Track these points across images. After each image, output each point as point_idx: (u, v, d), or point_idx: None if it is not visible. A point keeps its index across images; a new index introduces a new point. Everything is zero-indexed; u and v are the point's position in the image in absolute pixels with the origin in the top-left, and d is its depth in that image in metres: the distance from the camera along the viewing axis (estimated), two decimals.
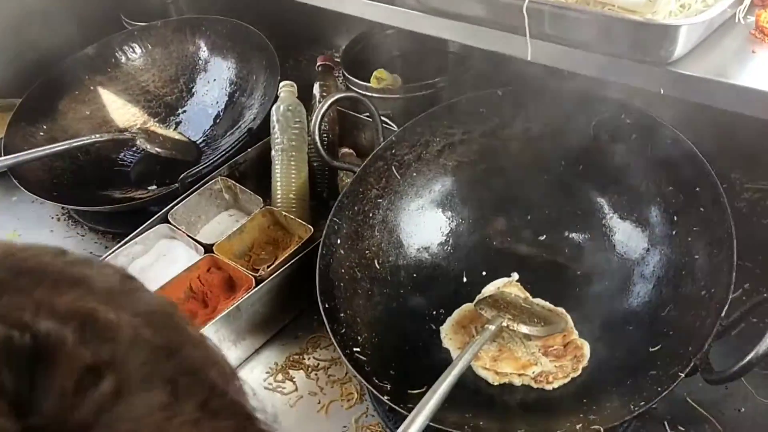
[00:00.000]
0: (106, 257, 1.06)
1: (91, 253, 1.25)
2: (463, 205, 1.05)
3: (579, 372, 0.88)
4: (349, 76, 1.23)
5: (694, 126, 0.90)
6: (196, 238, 1.09)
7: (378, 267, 1.00)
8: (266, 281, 0.98)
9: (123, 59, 1.49)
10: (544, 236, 1.02)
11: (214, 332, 0.95)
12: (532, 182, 1.02)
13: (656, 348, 0.83)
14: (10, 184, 1.26)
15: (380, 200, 1.03)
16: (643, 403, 0.75)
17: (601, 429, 0.75)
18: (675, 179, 0.89)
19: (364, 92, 1.19)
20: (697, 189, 0.86)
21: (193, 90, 1.47)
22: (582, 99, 0.96)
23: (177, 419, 0.29)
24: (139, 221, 1.12)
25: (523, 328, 0.91)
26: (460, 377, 0.79)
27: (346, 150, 1.24)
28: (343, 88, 1.28)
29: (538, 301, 0.97)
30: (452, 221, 1.05)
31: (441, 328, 0.97)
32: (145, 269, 1.09)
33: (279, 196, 1.14)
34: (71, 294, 0.30)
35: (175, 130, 1.44)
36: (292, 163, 1.15)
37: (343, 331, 0.90)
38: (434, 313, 0.99)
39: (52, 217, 1.35)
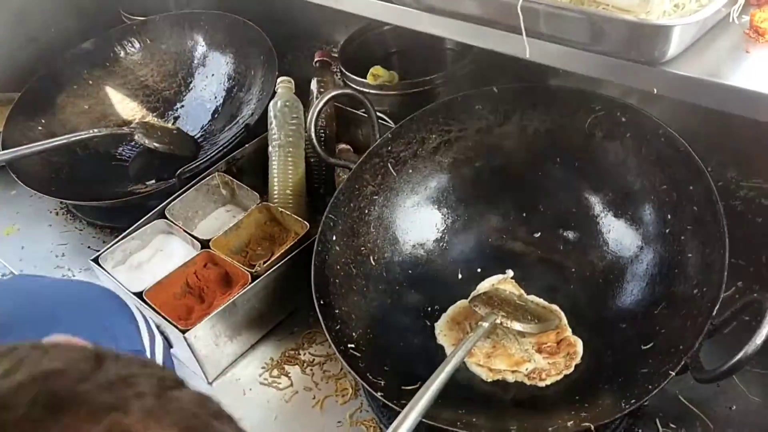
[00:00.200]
0: (104, 252, 1.06)
1: (88, 247, 1.25)
2: (458, 202, 1.06)
3: (572, 369, 0.89)
4: (347, 72, 1.24)
5: (689, 124, 0.90)
6: (192, 233, 1.09)
7: (373, 263, 1.00)
8: (262, 277, 0.99)
9: (122, 54, 1.49)
10: (539, 233, 1.02)
11: (210, 327, 0.95)
12: (527, 180, 1.02)
13: (648, 346, 0.83)
14: (8, 179, 1.27)
15: (376, 197, 1.03)
16: (634, 400, 0.75)
17: (592, 426, 0.75)
18: (669, 178, 0.90)
19: (360, 89, 1.19)
20: (691, 188, 0.86)
21: (192, 85, 1.47)
22: (577, 97, 0.96)
23: None
24: (137, 216, 1.12)
25: (517, 326, 0.92)
26: (454, 374, 0.79)
27: (343, 146, 1.24)
28: (341, 84, 1.28)
29: (533, 298, 0.98)
30: (448, 218, 1.06)
31: (435, 324, 0.98)
32: (142, 264, 1.09)
33: (276, 192, 1.14)
34: (107, 421, 0.31)
35: (173, 124, 1.45)
36: (289, 159, 1.15)
37: (338, 327, 0.90)
38: (429, 309, 0.99)
39: (51, 212, 1.36)
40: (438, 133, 1.04)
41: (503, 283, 0.98)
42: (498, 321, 0.91)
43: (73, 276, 1.21)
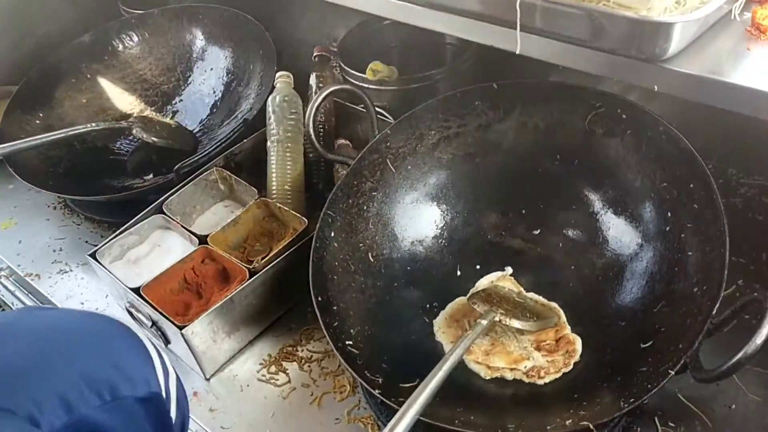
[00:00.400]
0: (102, 247, 1.06)
1: (86, 242, 1.25)
2: (457, 198, 1.05)
3: (570, 367, 0.88)
4: (346, 67, 1.23)
5: (690, 122, 0.89)
6: (190, 229, 1.09)
7: (372, 260, 1.00)
8: (260, 273, 0.99)
9: (120, 47, 1.48)
10: (539, 231, 1.02)
11: (207, 323, 0.95)
12: (527, 176, 1.02)
13: (647, 344, 0.83)
14: (6, 173, 1.26)
15: (375, 193, 1.03)
16: (633, 399, 0.75)
17: (591, 425, 0.75)
18: (669, 175, 0.89)
19: (359, 84, 1.19)
20: (692, 186, 0.86)
21: (190, 79, 1.46)
22: (577, 94, 0.96)
23: None
24: (135, 211, 1.12)
25: (516, 323, 0.91)
26: (452, 371, 0.79)
27: (342, 141, 1.23)
28: (340, 80, 1.27)
29: (532, 295, 0.97)
30: (447, 215, 1.05)
31: (434, 321, 0.97)
32: (139, 259, 1.09)
33: (274, 188, 1.14)
34: None
35: (172, 119, 1.44)
36: (288, 154, 1.15)
37: (336, 324, 0.90)
38: (427, 306, 0.99)
39: (48, 206, 1.35)
40: (437, 129, 1.04)
41: (502, 280, 0.97)
42: (497, 318, 0.91)
43: (71, 270, 1.20)
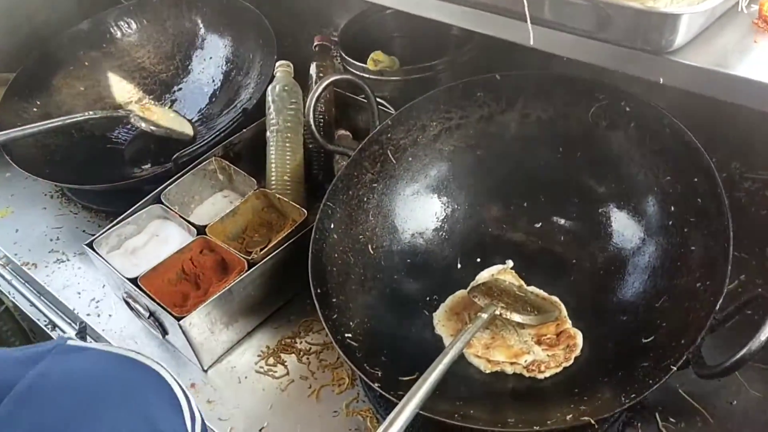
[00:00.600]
0: (99, 236, 1.05)
1: (83, 231, 1.24)
2: (458, 190, 1.04)
3: (571, 361, 0.88)
4: (347, 57, 1.22)
5: (694, 115, 0.88)
6: (189, 219, 1.08)
7: (372, 252, 0.99)
8: (259, 264, 0.98)
9: (118, 35, 1.47)
10: (540, 224, 1.01)
11: (205, 315, 0.94)
12: (528, 169, 1.01)
13: (649, 339, 0.82)
14: (3, 161, 1.26)
15: (375, 184, 1.02)
16: (634, 395, 0.74)
17: (592, 420, 0.75)
18: (673, 169, 0.88)
19: (360, 74, 1.18)
20: (695, 180, 0.85)
21: (189, 67, 1.45)
22: (581, 86, 0.94)
23: None
24: (132, 200, 1.11)
25: (517, 317, 0.91)
26: (452, 365, 0.79)
27: (342, 132, 1.22)
28: (341, 69, 1.26)
29: (533, 289, 0.96)
30: (447, 207, 1.04)
31: (434, 314, 0.97)
32: (137, 249, 1.08)
33: (273, 178, 1.13)
34: None
35: (170, 108, 1.43)
36: (288, 144, 1.14)
37: (335, 316, 0.89)
38: (427, 299, 0.98)
39: (45, 194, 1.35)
40: (439, 121, 1.03)
41: (503, 273, 0.97)
42: (497, 312, 0.90)
43: (68, 260, 1.20)
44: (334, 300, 0.92)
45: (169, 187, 1.12)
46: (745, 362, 0.68)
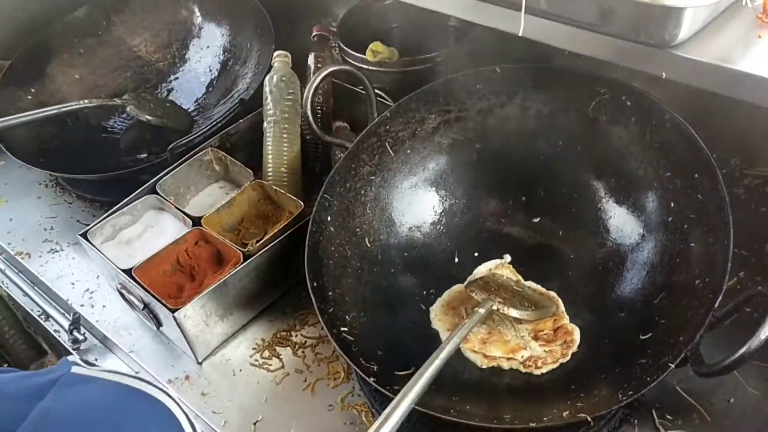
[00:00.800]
0: (93, 227, 1.04)
1: (78, 221, 1.23)
2: (457, 184, 1.04)
3: (568, 357, 0.87)
4: (345, 48, 1.20)
5: (696, 110, 0.88)
6: (184, 210, 1.07)
7: (368, 245, 0.98)
8: (255, 257, 0.97)
9: (114, 22, 1.45)
10: (538, 218, 1.00)
11: (200, 307, 0.93)
12: (527, 163, 1.00)
13: (647, 336, 0.82)
14: None
15: (373, 177, 1.01)
16: (631, 392, 0.74)
17: (588, 417, 0.74)
18: (673, 165, 0.88)
19: (359, 65, 1.16)
20: (696, 176, 0.84)
21: (186, 57, 1.44)
22: (581, 80, 0.94)
23: None
24: (128, 190, 1.10)
25: (514, 312, 0.90)
26: (448, 360, 0.78)
27: (340, 123, 1.21)
28: (339, 60, 1.25)
29: (530, 284, 0.96)
30: (445, 201, 1.04)
31: (430, 308, 0.96)
32: (132, 240, 1.07)
33: (270, 170, 1.12)
34: None
35: (166, 97, 1.42)
36: (285, 135, 1.13)
37: (331, 309, 0.89)
38: (424, 293, 0.98)
39: (40, 184, 1.34)
40: (438, 113, 1.02)
41: (500, 268, 0.96)
42: (494, 307, 0.89)
43: (62, 250, 1.19)
44: (330, 293, 0.91)
45: (164, 178, 1.11)
46: (744, 361, 0.67)
